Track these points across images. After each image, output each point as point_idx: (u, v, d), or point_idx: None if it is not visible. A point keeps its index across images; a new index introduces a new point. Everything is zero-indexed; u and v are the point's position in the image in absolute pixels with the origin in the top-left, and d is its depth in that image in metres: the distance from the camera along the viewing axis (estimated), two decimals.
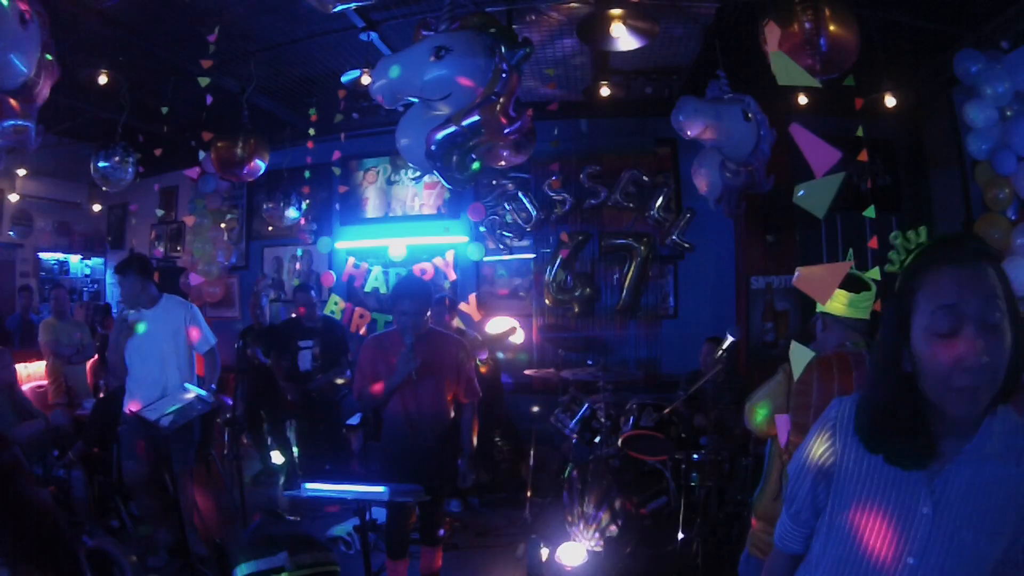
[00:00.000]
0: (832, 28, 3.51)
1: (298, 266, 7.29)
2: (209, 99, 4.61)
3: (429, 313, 3.41)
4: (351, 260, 6.98)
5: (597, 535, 3.82)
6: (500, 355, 6.18)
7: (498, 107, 3.36)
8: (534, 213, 6.38)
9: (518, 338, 6.38)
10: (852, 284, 2.22)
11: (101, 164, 5.63)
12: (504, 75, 3.37)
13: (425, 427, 3.34)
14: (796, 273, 1.16)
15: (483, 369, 5.21)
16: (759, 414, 2.36)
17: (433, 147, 3.43)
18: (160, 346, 4.06)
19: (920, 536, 1.09)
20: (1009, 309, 1.04)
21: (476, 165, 3.61)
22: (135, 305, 4.07)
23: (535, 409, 5.30)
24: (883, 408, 1.14)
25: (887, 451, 1.12)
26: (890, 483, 1.13)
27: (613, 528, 3.82)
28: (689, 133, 4.41)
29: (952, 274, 1.05)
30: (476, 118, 3.36)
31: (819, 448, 1.23)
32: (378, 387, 3.30)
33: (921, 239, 1.12)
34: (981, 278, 1.04)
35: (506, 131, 3.43)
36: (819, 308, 2.31)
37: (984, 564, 1.06)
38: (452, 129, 3.37)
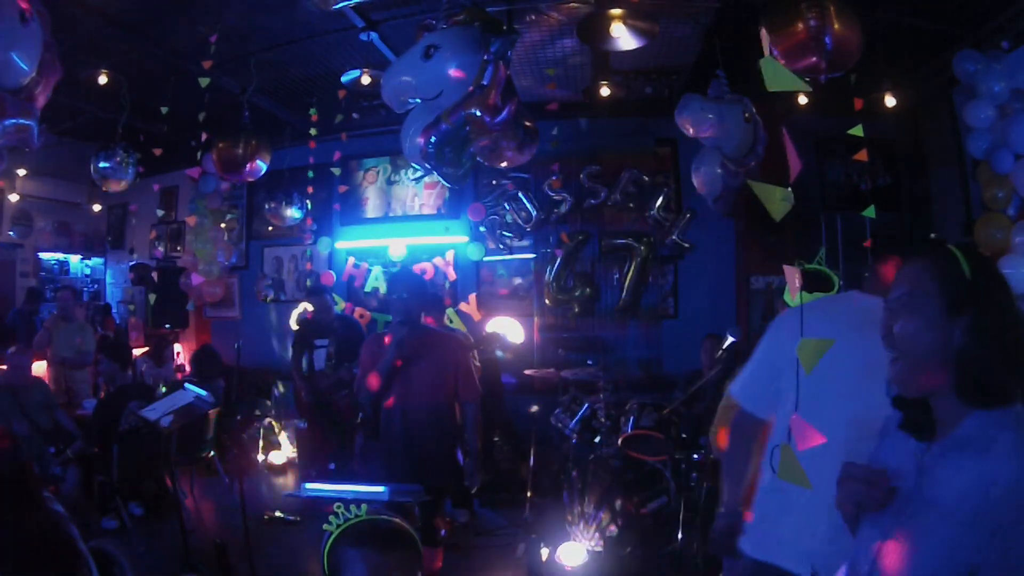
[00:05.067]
0: (836, 27, 3.51)
1: (308, 266, 7.26)
2: (207, 98, 4.61)
3: (423, 314, 3.41)
4: (351, 260, 6.98)
5: (597, 535, 3.82)
6: (500, 354, 6.16)
7: (486, 98, 3.35)
8: (534, 213, 6.37)
9: (515, 337, 6.35)
10: (817, 284, 2.25)
11: (101, 164, 5.62)
12: (490, 66, 3.36)
13: (422, 422, 3.32)
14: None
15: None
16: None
17: (426, 147, 3.43)
18: None
19: (902, 504, 1.17)
20: (954, 299, 1.13)
21: (471, 158, 3.61)
22: None
23: (534, 409, 5.29)
24: None
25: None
26: (900, 443, 1.25)
27: (613, 528, 3.82)
28: (691, 131, 4.41)
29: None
30: (463, 112, 3.36)
31: None
32: (374, 379, 3.31)
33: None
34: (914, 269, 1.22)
35: (494, 122, 3.42)
36: (786, 299, 2.33)
37: (957, 554, 1.07)
38: (441, 126, 3.37)
